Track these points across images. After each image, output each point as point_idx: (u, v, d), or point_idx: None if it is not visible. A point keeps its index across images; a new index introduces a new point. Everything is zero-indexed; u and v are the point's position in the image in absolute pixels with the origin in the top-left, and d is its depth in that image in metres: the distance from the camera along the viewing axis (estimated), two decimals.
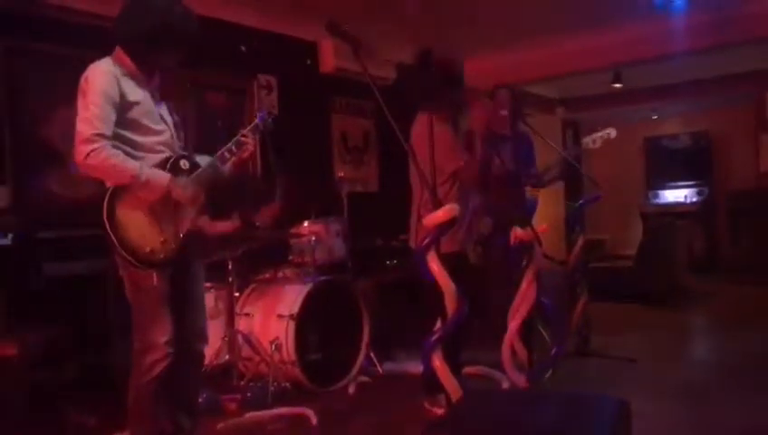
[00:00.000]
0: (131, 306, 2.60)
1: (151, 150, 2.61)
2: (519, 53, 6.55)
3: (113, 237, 2.46)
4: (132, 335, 2.60)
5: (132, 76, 2.58)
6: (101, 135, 2.42)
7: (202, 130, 4.86)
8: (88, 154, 2.40)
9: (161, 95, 2.73)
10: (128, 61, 2.58)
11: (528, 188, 4.08)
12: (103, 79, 2.47)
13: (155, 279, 2.53)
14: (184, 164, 2.68)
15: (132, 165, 2.48)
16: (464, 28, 5.80)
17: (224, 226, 3.63)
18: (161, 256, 2.54)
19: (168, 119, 2.73)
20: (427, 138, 2.93)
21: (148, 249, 2.51)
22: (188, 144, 2.89)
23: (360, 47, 2.55)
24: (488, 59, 6.50)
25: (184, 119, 2.85)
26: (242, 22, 5.09)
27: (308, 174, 5.55)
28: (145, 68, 2.61)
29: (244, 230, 3.93)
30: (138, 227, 2.51)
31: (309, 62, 5.73)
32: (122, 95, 2.50)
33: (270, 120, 3.00)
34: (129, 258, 2.48)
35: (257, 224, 3.97)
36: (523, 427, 1.89)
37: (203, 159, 2.79)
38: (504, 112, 3.91)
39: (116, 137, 2.49)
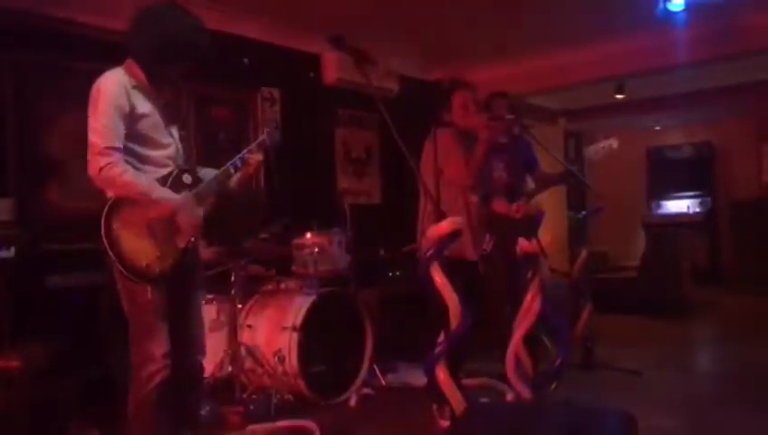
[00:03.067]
0: (128, 319, 2.59)
1: (157, 164, 2.61)
2: (521, 64, 6.58)
3: (110, 251, 2.45)
4: (130, 348, 2.59)
5: (142, 88, 2.58)
6: (115, 148, 2.43)
7: (205, 143, 4.88)
8: (102, 167, 2.40)
9: (170, 109, 2.73)
10: (139, 72, 2.57)
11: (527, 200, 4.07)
12: (114, 90, 2.47)
13: (149, 293, 2.52)
14: (186, 178, 2.68)
15: (144, 183, 2.48)
16: (466, 39, 5.83)
17: (205, 253, 3.58)
18: (157, 270, 2.53)
19: (176, 133, 2.73)
20: (433, 150, 2.97)
21: (144, 264, 2.51)
22: (193, 158, 2.88)
23: (364, 60, 2.55)
24: (491, 70, 6.52)
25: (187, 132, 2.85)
26: (245, 34, 5.11)
27: (311, 185, 5.56)
28: (156, 80, 2.61)
29: (226, 256, 3.93)
30: (135, 241, 2.50)
31: (312, 74, 5.75)
32: (132, 107, 2.50)
33: (277, 135, 2.99)
34: (125, 272, 2.48)
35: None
36: None
37: (208, 173, 2.80)
38: (511, 116, 3.90)
39: (124, 149, 2.50)
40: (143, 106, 2.56)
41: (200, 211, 2.66)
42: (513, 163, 4.08)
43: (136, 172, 2.49)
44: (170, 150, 2.67)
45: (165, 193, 2.55)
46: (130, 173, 2.45)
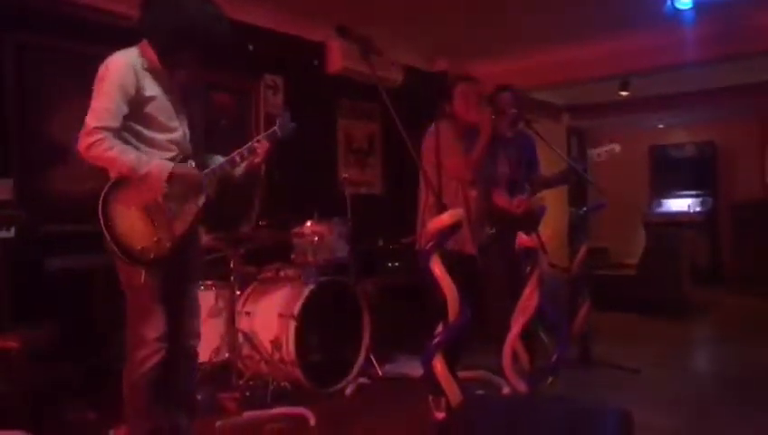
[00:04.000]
0: (125, 300, 2.60)
1: (162, 147, 2.59)
2: (526, 59, 6.55)
3: (106, 232, 2.45)
4: (125, 329, 2.60)
5: (154, 71, 2.56)
6: (105, 127, 2.41)
7: (206, 129, 4.84)
8: (89, 145, 2.41)
9: (182, 93, 2.71)
10: (152, 54, 2.55)
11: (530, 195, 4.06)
12: (122, 70, 2.46)
13: (143, 277, 2.51)
14: (191, 165, 2.67)
15: (131, 157, 2.45)
16: (472, 33, 5.81)
17: (204, 239, 3.55)
18: (151, 255, 2.52)
19: (184, 118, 2.71)
20: (436, 144, 2.96)
21: (139, 247, 2.50)
22: (201, 144, 2.85)
23: (369, 49, 2.54)
24: (496, 64, 6.50)
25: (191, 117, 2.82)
26: (249, 21, 5.09)
27: (312, 174, 5.55)
28: (168, 64, 2.59)
29: (225, 243, 3.92)
30: (131, 224, 2.50)
31: (316, 62, 5.73)
32: (139, 89, 2.49)
33: (290, 126, 2.91)
34: (120, 254, 2.48)
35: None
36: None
37: (216, 159, 2.78)
38: (514, 111, 3.89)
39: (128, 130, 2.49)
40: (152, 89, 2.54)
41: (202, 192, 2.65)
42: (517, 158, 4.07)
43: (124, 148, 2.46)
44: (176, 135, 2.65)
45: (155, 162, 2.51)
46: (117, 149, 2.43)
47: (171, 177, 2.54)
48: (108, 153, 2.42)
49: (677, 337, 5.97)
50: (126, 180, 2.50)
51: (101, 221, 2.45)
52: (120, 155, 2.44)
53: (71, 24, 4.10)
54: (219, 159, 2.79)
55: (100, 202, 2.46)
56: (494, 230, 3.75)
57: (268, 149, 2.84)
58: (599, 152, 4.41)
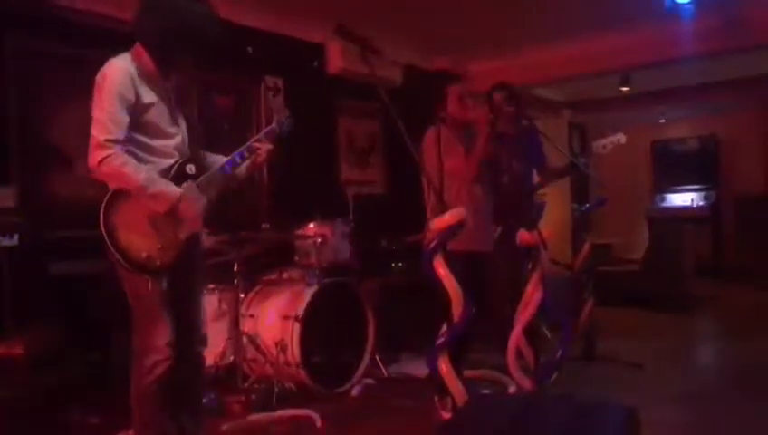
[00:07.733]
0: (131, 309, 2.58)
1: (163, 154, 2.57)
2: (527, 56, 6.54)
3: (108, 241, 2.43)
4: (132, 337, 2.59)
5: (148, 75, 2.53)
6: (115, 140, 2.39)
7: (208, 132, 4.86)
8: (101, 160, 2.37)
9: (176, 97, 2.69)
10: (146, 59, 2.53)
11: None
12: (119, 79, 2.43)
13: (149, 285, 2.49)
14: (190, 169, 2.64)
15: (143, 176, 2.44)
16: (471, 30, 5.80)
17: (207, 241, 3.54)
18: (157, 262, 2.51)
19: (182, 122, 2.70)
20: (436, 143, 2.96)
21: (144, 255, 2.48)
22: (200, 146, 2.84)
23: (369, 49, 2.53)
24: (496, 61, 6.50)
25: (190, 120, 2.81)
26: (249, 23, 5.08)
27: (314, 175, 5.54)
28: (163, 67, 2.57)
29: (228, 245, 3.91)
30: (135, 232, 2.47)
31: (316, 63, 5.73)
32: (138, 96, 2.46)
33: (288, 124, 2.93)
34: (125, 263, 2.45)
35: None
36: (531, 433, 1.88)
37: (216, 160, 2.77)
38: (509, 108, 3.89)
39: (129, 139, 2.46)
40: (149, 96, 2.51)
41: (203, 201, 2.63)
42: (522, 154, 4.06)
43: (137, 165, 2.44)
44: (176, 140, 2.64)
45: (164, 187, 2.50)
46: (130, 166, 2.41)
47: (179, 200, 2.52)
48: (121, 169, 2.39)
49: (681, 331, 5.96)
50: (127, 190, 2.47)
51: (103, 232, 2.42)
52: (133, 174, 2.41)
53: (71, 29, 4.10)
54: (221, 160, 2.77)
55: (102, 212, 2.43)
56: (500, 229, 3.75)
57: (270, 148, 2.82)
58: (603, 143, 4.38)
